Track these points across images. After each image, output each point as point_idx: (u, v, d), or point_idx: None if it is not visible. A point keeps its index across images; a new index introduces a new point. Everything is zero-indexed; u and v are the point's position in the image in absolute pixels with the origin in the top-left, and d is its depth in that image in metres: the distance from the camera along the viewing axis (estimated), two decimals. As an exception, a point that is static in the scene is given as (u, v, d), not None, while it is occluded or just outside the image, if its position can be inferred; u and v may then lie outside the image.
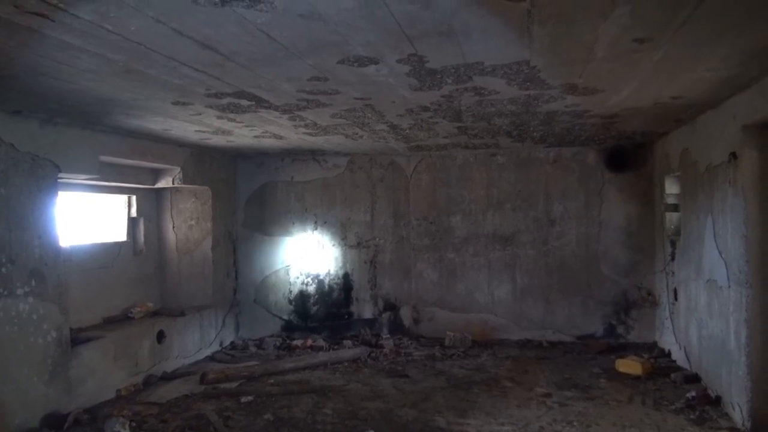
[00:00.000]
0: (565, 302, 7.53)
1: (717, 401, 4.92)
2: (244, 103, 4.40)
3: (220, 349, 7.45)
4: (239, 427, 4.70)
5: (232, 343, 7.74)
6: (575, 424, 4.59)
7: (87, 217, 6.44)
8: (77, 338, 5.27)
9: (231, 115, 4.90)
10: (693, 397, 5.02)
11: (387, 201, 7.98)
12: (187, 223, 7.38)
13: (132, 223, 6.98)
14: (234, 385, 5.82)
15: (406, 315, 7.94)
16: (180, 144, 6.51)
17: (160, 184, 6.85)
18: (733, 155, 4.46)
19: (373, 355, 6.92)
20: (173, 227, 7.38)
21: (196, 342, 6.95)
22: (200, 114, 4.82)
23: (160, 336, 6.33)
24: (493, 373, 6.10)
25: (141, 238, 7.03)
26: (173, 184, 6.78)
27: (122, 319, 6.39)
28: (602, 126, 5.78)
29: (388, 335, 7.78)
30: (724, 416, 4.67)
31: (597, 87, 4.09)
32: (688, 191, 5.80)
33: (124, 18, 2.55)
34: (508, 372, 6.15)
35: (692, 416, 4.70)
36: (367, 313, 8.02)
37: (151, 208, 7.27)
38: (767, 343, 4.20)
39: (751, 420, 4.24)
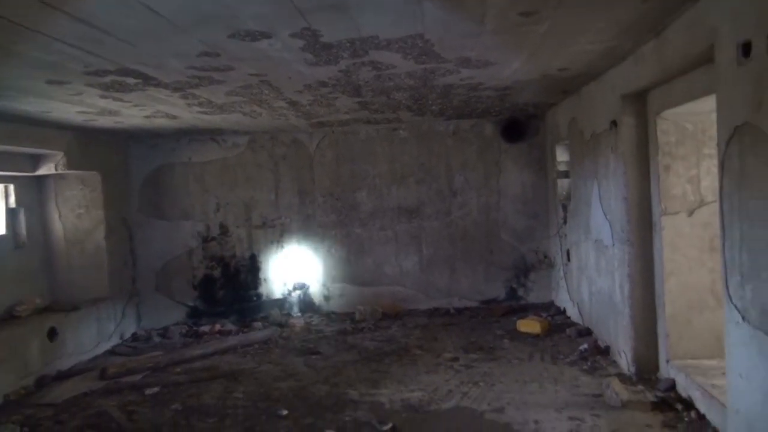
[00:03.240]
0: (469, 270, 7.82)
1: (606, 351, 5.34)
2: (130, 81, 4.14)
3: (120, 341, 7.08)
4: (145, 420, 4.52)
5: (134, 334, 7.38)
6: (481, 384, 4.82)
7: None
8: (-46, 343, 4.81)
9: (116, 95, 4.59)
10: (585, 349, 5.42)
11: (291, 179, 7.86)
12: (76, 212, 6.88)
13: (11, 214, 6.40)
14: (138, 377, 5.57)
15: (316, 292, 7.93)
16: (62, 127, 6.03)
17: (41, 171, 6.32)
18: (614, 123, 4.77)
19: (284, 334, 6.87)
20: (59, 216, 6.87)
21: (93, 336, 6.56)
22: (81, 94, 4.48)
23: (52, 333, 5.91)
24: (404, 343, 6.25)
25: (22, 230, 6.47)
26: (56, 170, 6.27)
27: (6, 318, 5.88)
28: (497, 98, 5.98)
29: (299, 314, 7.75)
30: (612, 364, 5.08)
31: (489, 60, 4.22)
32: (576, 158, 6.17)
33: (-22, -13, 2.30)
34: (418, 341, 6.33)
35: (585, 367, 5.08)
36: (277, 293, 7.92)
37: (32, 198, 6.71)
38: (646, 295, 4.60)
39: (635, 365, 4.64)
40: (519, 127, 7.62)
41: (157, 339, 7.15)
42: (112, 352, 6.71)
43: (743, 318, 2.85)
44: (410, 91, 5.23)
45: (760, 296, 2.68)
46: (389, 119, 7.10)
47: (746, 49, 2.67)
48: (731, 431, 3.12)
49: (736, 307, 2.93)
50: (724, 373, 3.23)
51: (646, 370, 4.61)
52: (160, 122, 6.20)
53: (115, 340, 7.00)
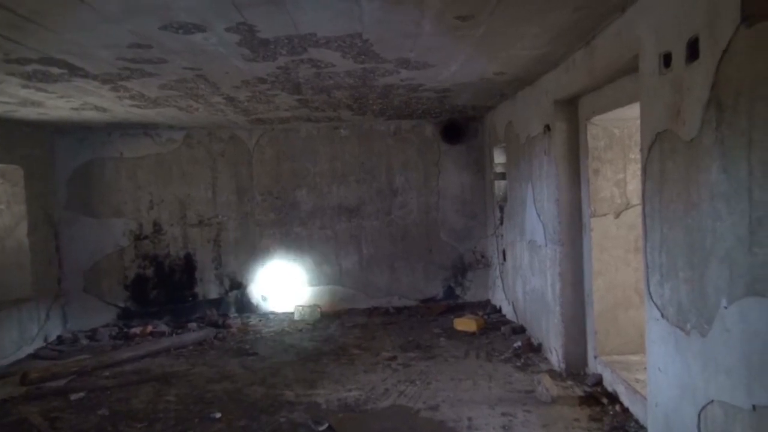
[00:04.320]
0: (409, 269, 7.89)
1: (538, 348, 5.51)
2: (55, 70, 3.94)
3: (45, 344, 6.73)
4: (69, 427, 4.31)
5: (59, 337, 7.02)
6: (417, 382, 4.87)
7: None
8: None
9: (40, 85, 4.36)
10: (519, 347, 5.57)
11: (229, 176, 7.69)
12: (-5, 208, 6.49)
13: None
14: (62, 382, 5.30)
15: (253, 292, 7.79)
16: (-21, 117, 5.68)
17: (-44, 164, 5.93)
18: (547, 127, 4.93)
19: (220, 335, 6.71)
20: (-23, 213, 6.46)
21: (14, 340, 6.20)
22: (0, 83, 4.22)
23: (-32, 337, 5.56)
24: (342, 343, 6.24)
25: (-65, 226, 6.05)
26: (-26, 163, 5.91)
27: None
28: (436, 100, 6.05)
29: (236, 314, 7.60)
30: (544, 360, 5.24)
31: (428, 62, 4.27)
32: (513, 161, 6.33)
33: None
34: (356, 340, 6.33)
35: (518, 363, 5.22)
36: (213, 293, 7.74)
37: (-54, 192, 6.28)
38: (575, 293, 4.77)
39: (565, 361, 4.81)
40: (458, 128, 7.75)
41: (84, 341, 6.84)
42: (35, 356, 6.36)
43: (662, 315, 3.00)
44: (350, 90, 5.22)
45: (677, 295, 2.83)
46: (330, 118, 7.06)
47: (667, 59, 2.81)
48: (651, 423, 3.27)
49: (655, 304, 3.08)
50: (646, 368, 3.39)
51: (576, 366, 4.78)
52: (89, 115, 5.93)
53: (38, 343, 6.64)
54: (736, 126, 2.26)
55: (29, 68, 3.84)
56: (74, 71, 3.99)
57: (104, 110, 5.67)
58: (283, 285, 7.80)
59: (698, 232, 2.59)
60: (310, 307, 7.42)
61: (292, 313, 7.44)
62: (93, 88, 4.59)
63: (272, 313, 7.69)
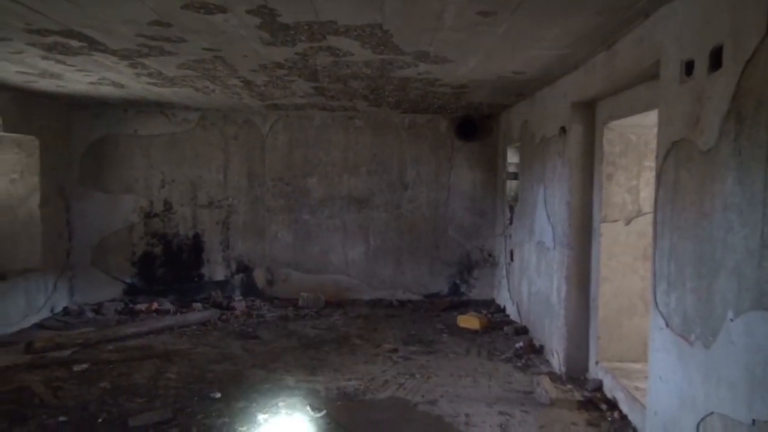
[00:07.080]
0: (415, 263, 7.89)
1: (540, 350, 5.50)
2: (74, 44, 3.95)
3: (51, 315, 6.81)
4: (71, 397, 4.36)
5: (65, 308, 7.10)
6: (417, 376, 4.88)
7: None
8: None
9: (60, 57, 4.38)
10: (520, 347, 5.56)
11: (241, 160, 7.72)
12: (9, 177, 6.53)
13: (-62, 174, 6.04)
14: (66, 353, 5.37)
15: (259, 276, 7.83)
16: (-1, 86, 5.72)
17: (-27, 131, 5.98)
18: (563, 129, 4.89)
19: (223, 317, 6.76)
20: (-8, 181, 6.52)
21: (20, 308, 6.28)
22: (21, 53, 4.25)
23: (-24, 303, 5.63)
24: (344, 332, 6.26)
25: (-50, 192, 6.12)
26: (-9, 131, 5.95)
27: (-74, 284, 5.57)
28: (453, 95, 6.03)
29: (241, 297, 7.63)
30: (545, 363, 5.24)
31: (447, 56, 4.24)
32: (526, 161, 6.30)
33: None
34: (359, 330, 6.35)
35: (519, 364, 5.22)
36: (219, 275, 7.78)
37: (-38, 159, 6.34)
38: (581, 297, 4.75)
39: (566, 365, 4.80)
40: (473, 126, 7.72)
41: (90, 314, 6.91)
42: (40, 326, 6.44)
43: (667, 324, 2.99)
44: (367, 80, 5.20)
45: (682, 304, 2.81)
46: (345, 107, 7.05)
47: (689, 67, 2.78)
48: (649, 431, 3.27)
49: (661, 313, 3.06)
50: (647, 376, 3.38)
51: (576, 370, 4.77)
52: (107, 90, 5.96)
53: (44, 314, 6.72)
54: (755, 138, 2.24)
55: (50, 40, 3.85)
56: (94, 45, 4.00)
57: (121, 86, 5.70)
58: (288, 271, 7.82)
59: (708, 243, 2.57)
60: (314, 294, 7.45)
61: (296, 300, 7.47)
62: (111, 64, 4.61)
63: (276, 298, 7.72)
